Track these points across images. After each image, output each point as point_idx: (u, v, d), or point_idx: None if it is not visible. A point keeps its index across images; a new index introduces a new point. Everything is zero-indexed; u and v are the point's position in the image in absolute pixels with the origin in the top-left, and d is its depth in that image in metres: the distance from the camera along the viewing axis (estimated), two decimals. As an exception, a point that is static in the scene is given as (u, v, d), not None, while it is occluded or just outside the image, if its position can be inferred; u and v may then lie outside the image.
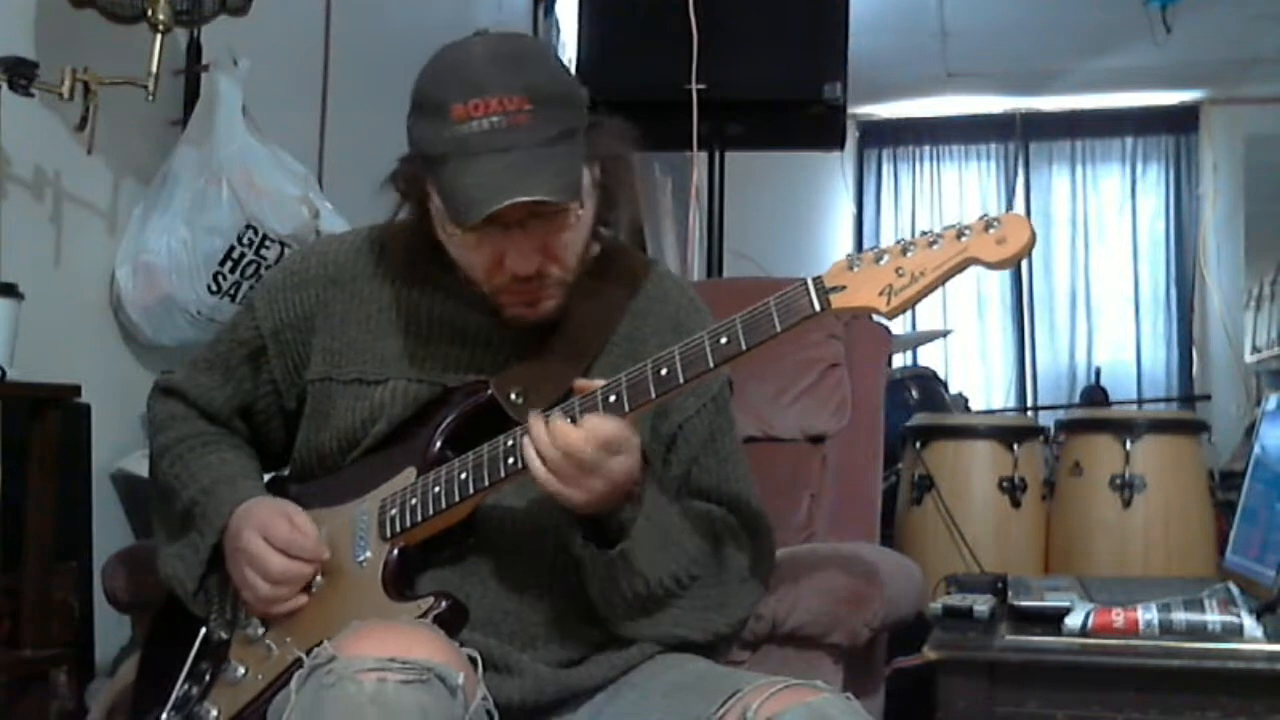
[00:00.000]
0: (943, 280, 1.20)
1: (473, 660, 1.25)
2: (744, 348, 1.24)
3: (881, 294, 1.20)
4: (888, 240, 1.28)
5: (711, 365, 1.25)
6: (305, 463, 1.51)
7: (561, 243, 1.37)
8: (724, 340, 1.24)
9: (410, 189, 1.40)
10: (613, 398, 1.28)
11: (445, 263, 1.44)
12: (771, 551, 1.54)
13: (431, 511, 1.35)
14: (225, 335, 1.58)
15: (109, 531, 2.41)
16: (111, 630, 2.29)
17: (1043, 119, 6.44)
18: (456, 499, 1.34)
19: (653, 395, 1.27)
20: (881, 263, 1.21)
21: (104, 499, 2.45)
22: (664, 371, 1.26)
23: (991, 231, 1.18)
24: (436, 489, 1.35)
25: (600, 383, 1.30)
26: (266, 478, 1.58)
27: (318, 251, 1.54)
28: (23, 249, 2.25)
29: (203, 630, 1.46)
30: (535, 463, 1.28)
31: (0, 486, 2.08)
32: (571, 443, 1.26)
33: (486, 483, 1.33)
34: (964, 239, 1.19)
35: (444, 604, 1.31)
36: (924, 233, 1.21)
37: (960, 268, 1.20)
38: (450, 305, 1.45)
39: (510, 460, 1.31)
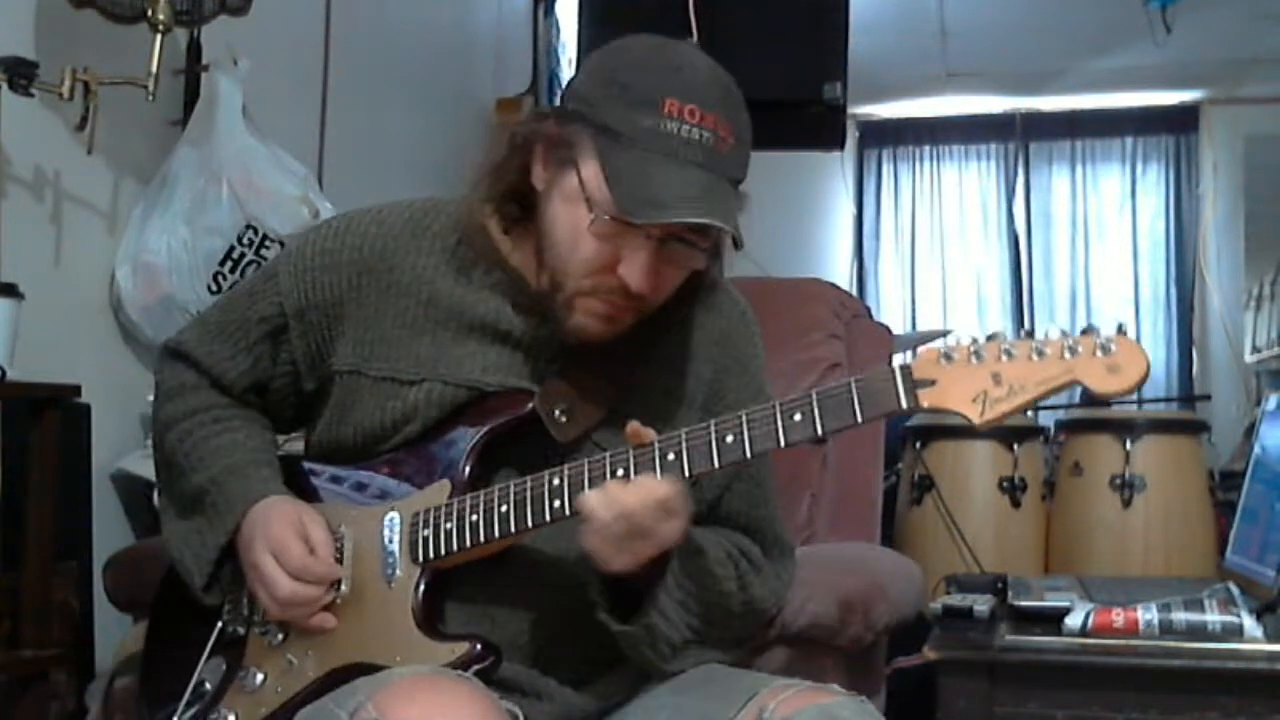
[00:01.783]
0: (1043, 398, 1.13)
1: (512, 715, 1.23)
2: (819, 433, 1.18)
3: (975, 401, 1.13)
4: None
5: (782, 444, 1.19)
6: (323, 449, 1.46)
7: (674, 276, 1.32)
8: (797, 418, 1.18)
9: (545, 149, 1.31)
10: (671, 456, 1.22)
11: (496, 254, 1.39)
12: (791, 576, 1.51)
13: (468, 543, 1.30)
14: (241, 302, 1.48)
15: (109, 531, 2.41)
16: (111, 630, 2.29)
17: (1043, 119, 6.43)
18: (496, 535, 1.28)
19: (716, 464, 1.22)
20: (977, 362, 1.14)
21: (104, 499, 2.45)
22: (729, 439, 1.20)
23: (1102, 356, 1.11)
24: (474, 517, 1.29)
25: (652, 434, 1.24)
26: (288, 448, 1.53)
27: (354, 230, 1.43)
28: (23, 249, 2.25)
29: (219, 624, 1.42)
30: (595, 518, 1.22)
31: (0, 486, 2.08)
32: (627, 506, 1.20)
33: (529, 523, 1.27)
34: (1071, 357, 1.12)
35: (479, 651, 1.28)
36: (1027, 334, 1.14)
37: (1063, 389, 1.13)
38: (494, 305, 1.38)
39: (556, 504, 1.25)
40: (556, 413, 1.33)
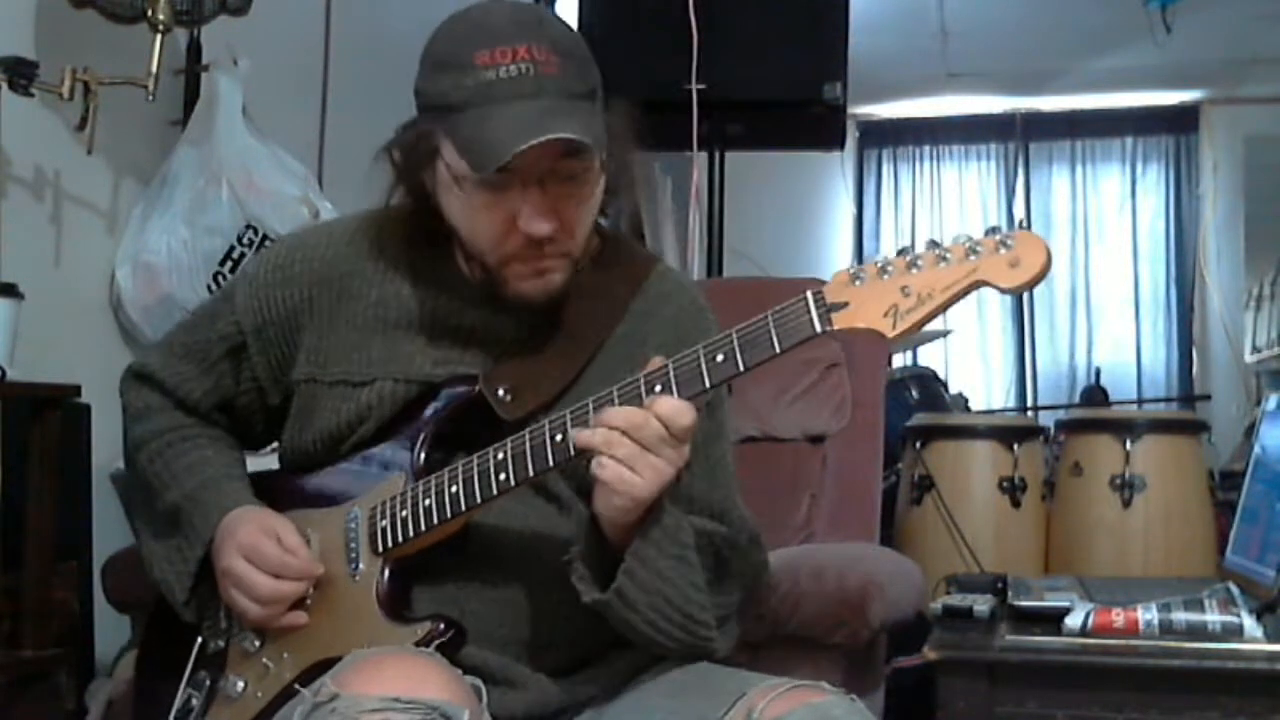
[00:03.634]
0: (951, 303, 1.14)
1: (476, 690, 1.23)
2: (742, 368, 1.20)
3: (886, 315, 1.13)
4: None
5: (708, 385, 1.21)
6: (291, 460, 1.48)
7: (574, 209, 1.33)
8: (720, 358, 1.20)
9: (412, 156, 1.35)
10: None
11: (441, 254, 1.42)
12: (762, 562, 1.49)
13: (423, 527, 1.31)
14: (203, 324, 1.51)
15: (109, 531, 2.41)
16: (111, 630, 2.29)
17: (1043, 119, 6.43)
18: (448, 515, 1.31)
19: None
20: (886, 278, 1.14)
21: (104, 499, 2.45)
22: (658, 389, 1.22)
23: (1004, 252, 1.11)
24: (427, 501, 1.31)
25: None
26: (261, 465, 1.55)
27: (304, 245, 1.48)
28: (23, 249, 2.25)
29: (199, 640, 1.44)
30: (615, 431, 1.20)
31: (0, 486, 2.08)
32: (661, 411, 1.19)
33: (478, 499, 1.29)
34: (974, 258, 1.12)
35: (443, 628, 1.29)
36: (931, 244, 1.14)
37: (970, 290, 1.13)
38: (444, 301, 1.42)
39: (502, 476, 1.27)
40: (500, 392, 1.35)
